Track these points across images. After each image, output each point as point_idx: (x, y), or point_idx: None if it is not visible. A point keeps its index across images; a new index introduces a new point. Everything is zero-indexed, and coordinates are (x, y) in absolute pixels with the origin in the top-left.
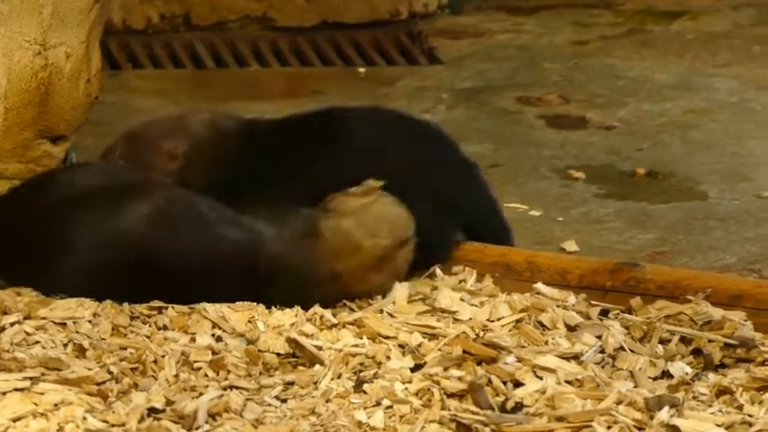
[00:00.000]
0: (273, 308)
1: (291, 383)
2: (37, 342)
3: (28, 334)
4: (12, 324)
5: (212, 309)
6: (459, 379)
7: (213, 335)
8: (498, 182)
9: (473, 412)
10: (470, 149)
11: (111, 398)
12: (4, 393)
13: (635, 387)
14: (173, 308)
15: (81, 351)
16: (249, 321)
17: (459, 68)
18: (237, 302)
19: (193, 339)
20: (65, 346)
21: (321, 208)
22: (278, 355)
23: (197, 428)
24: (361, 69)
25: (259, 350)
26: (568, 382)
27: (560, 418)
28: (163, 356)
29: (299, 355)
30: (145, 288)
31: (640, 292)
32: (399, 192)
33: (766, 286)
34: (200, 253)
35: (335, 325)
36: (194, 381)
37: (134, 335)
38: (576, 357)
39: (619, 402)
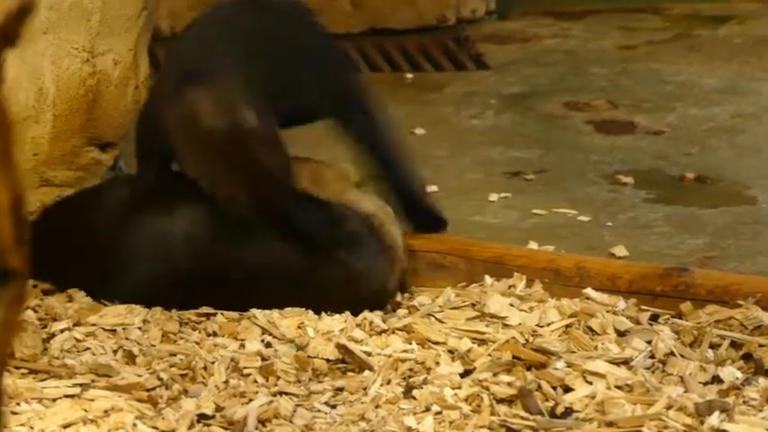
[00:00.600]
0: (323, 314)
1: (341, 389)
2: (87, 348)
3: (78, 340)
4: (62, 330)
5: (262, 315)
6: (509, 384)
7: (263, 341)
8: (546, 187)
9: (523, 418)
10: (518, 155)
11: (161, 404)
12: (54, 400)
13: (685, 392)
14: (222, 314)
15: (131, 357)
16: (299, 327)
17: (507, 74)
18: (287, 308)
19: (243, 345)
20: (114, 352)
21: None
22: (327, 360)
23: None
24: (409, 75)
25: (309, 356)
26: (618, 388)
27: (610, 424)
28: (212, 363)
29: (348, 361)
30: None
31: (690, 296)
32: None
33: None
34: None
35: (385, 330)
36: (244, 387)
37: (183, 341)
38: (625, 362)
39: (669, 407)
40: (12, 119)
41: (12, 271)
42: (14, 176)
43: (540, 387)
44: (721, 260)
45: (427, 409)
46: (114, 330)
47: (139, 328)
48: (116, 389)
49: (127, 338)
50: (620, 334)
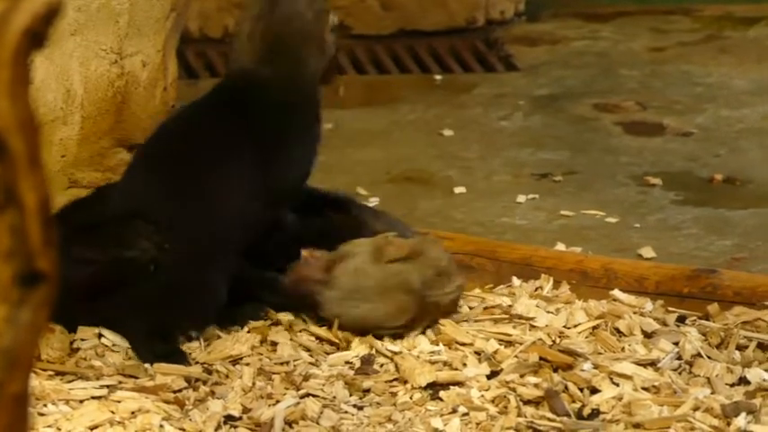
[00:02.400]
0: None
1: (368, 391)
2: (114, 350)
3: (105, 345)
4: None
5: (288, 317)
6: (536, 386)
7: (291, 340)
8: (575, 188)
9: (549, 419)
10: (547, 156)
11: (188, 405)
12: (81, 401)
13: (712, 393)
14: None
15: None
16: (329, 328)
17: (536, 75)
18: None
19: (273, 347)
20: None
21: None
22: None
23: None
24: (438, 77)
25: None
26: (645, 389)
27: (637, 425)
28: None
29: (375, 362)
30: None
31: (718, 298)
32: None
33: None
34: None
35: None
36: (271, 388)
37: (210, 344)
38: (652, 364)
39: (696, 409)
40: (39, 120)
41: (40, 273)
42: (42, 179)
43: (566, 388)
44: (750, 262)
45: (454, 411)
46: None
47: None
48: (143, 390)
49: None
50: (647, 335)
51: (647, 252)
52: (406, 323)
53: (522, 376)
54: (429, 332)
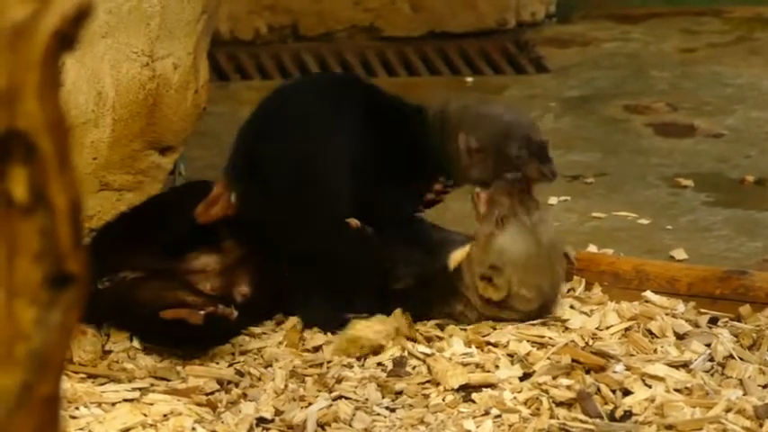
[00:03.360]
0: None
1: (400, 393)
2: (146, 352)
3: (137, 348)
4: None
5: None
6: (568, 387)
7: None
8: (606, 190)
9: (582, 421)
10: (578, 158)
11: (221, 408)
12: (113, 404)
13: (744, 395)
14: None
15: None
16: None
17: (567, 77)
18: None
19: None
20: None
21: None
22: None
23: None
24: (469, 79)
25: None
26: (677, 391)
27: (669, 427)
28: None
29: (408, 364)
30: None
31: (749, 299)
32: None
33: None
34: None
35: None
36: (303, 390)
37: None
38: (684, 365)
39: (728, 410)
40: (70, 123)
41: (70, 275)
42: (73, 181)
43: (599, 390)
44: None
45: (486, 413)
46: None
47: None
48: (175, 393)
49: None
50: (680, 337)
51: (679, 254)
52: None
53: (554, 378)
54: (461, 333)
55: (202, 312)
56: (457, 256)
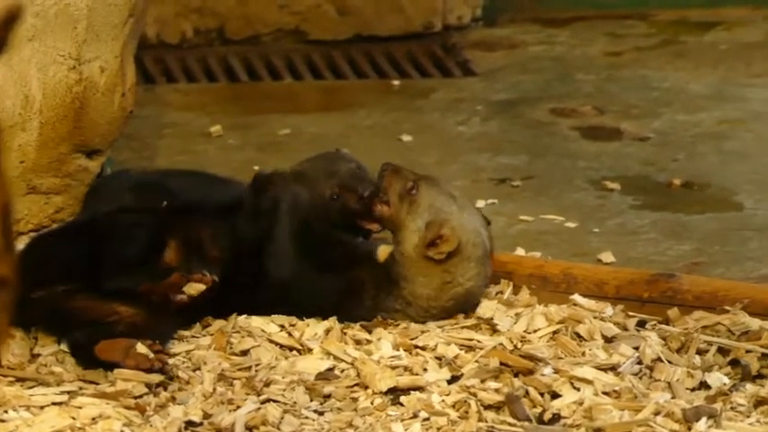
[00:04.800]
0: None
1: (329, 396)
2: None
3: (65, 351)
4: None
5: (250, 321)
6: (497, 391)
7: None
8: (533, 194)
9: (510, 424)
10: (505, 161)
11: (149, 411)
12: (42, 407)
13: (672, 398)
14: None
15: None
16: (289, 334)
17: (494, 80)
18: (274, 315)
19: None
20: None
21: None
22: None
23: None
24: (396, 82)
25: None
26: (606, 394)
27: (598, 430)
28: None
29: (336, 367)
30: None
31: (677, 302)
32: None
33: None
34: None
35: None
36: (231, 394)
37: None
38: (613, 368)
39: (656, 413)
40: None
41: (0, 279)
42: (2, 184)
43: (527, 393)
44: (709, 266)
45: (415, 416)
46: None
47: None
48: (104, 396)
49: None
50: (608, 340)
51: (607, 257)
52: None
53: (482, 381)
54: (390, 336)
55: (139, 358)
56: (383, 250)
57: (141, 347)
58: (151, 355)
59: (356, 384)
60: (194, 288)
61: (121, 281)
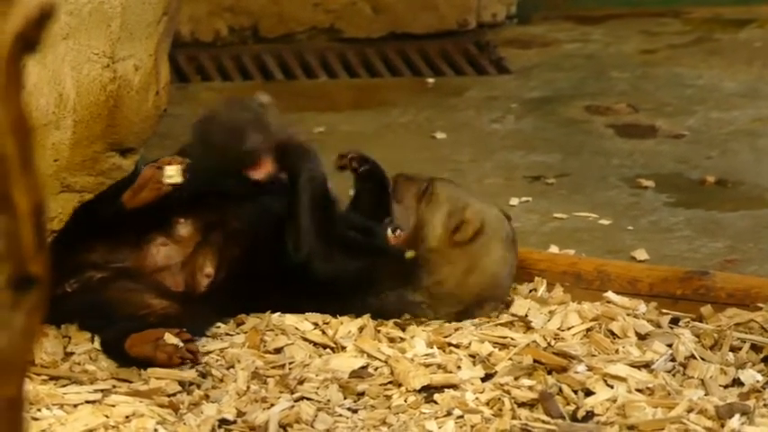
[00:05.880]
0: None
1: (362, 394)
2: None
3: (98, 349)
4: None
5: (284, 319)
6: (530, 388)
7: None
8: (567, 191)
9: (544, 421)
10: (539, 159)
11: (183, 409)
12: (75, 406)
13: (706, 395)
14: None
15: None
16: (323, 332)
17: (528, 78)
18: (308, 313)
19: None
20: None
21: None
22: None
23: None
24: (430, 80)
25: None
26: (639, 391)
27: (631, 427)
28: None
29: (369, 365)
30: None
31: (711, 300)
32: None
33: None
34: None
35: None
36: (265, 392)
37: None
38: (646, 366)
39: (690, 410)
40: (32, 125)
41: (33, 277)
42: (35, 183)
43: (561, 391)
44: (742, 263)
45: (449, 414)
46: None
47: None
48: (137, 394)
49: None
50: (641, 337)
51: (640, 254)
52: None
53: (516, 379)
54: (423, 334)
55: (169, 349)
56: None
57: (170, 337)
58: (181, 344)
59: (390, 382)
60: (171, 172)
61: None
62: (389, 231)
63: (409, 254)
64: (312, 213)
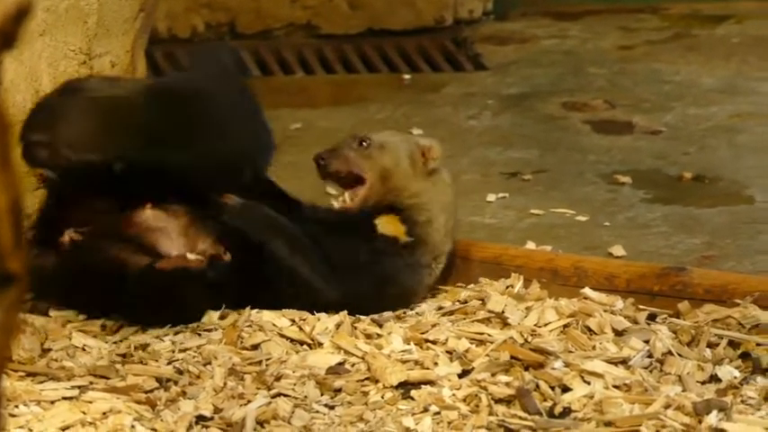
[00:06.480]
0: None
1: (339, 390)
2: (85, 350)
3: (76, 346)
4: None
5: (261, 315)
6: (507, 384)
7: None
8: (544, 187)
9: (521, 418)
10: (516, 155)
11: (160, 406)
12: (52, 402)
13: (683, 391)
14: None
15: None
16: (300, 328)
17: (505, 74)
18: (285, 309)
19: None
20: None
21: None
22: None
23: None
24: (407, 76)
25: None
26: (616, 387)
27: (608, 423)
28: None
29: (346, 362)
30: None
31: (688, 296)
32: None
33: None
34: None
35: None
36: (242, 388)
37: (181, 344)
38: (623, 362)
39: (667, 407)
40: (9, 121)
41: (11, 275)
42: (13, 179)
43: (538, 387)
44: (719, 259)
45: (425, 410)
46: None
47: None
48: (114, 390)
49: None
50: (618, 333)
51: (617, 250)
52: None
53: (493, 375)
54: (400, 330)
55: (201, 258)
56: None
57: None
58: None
59: (367, 378)
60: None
61: None
62: (346, 197)
63: (403, 239)
64: (290, 253)
